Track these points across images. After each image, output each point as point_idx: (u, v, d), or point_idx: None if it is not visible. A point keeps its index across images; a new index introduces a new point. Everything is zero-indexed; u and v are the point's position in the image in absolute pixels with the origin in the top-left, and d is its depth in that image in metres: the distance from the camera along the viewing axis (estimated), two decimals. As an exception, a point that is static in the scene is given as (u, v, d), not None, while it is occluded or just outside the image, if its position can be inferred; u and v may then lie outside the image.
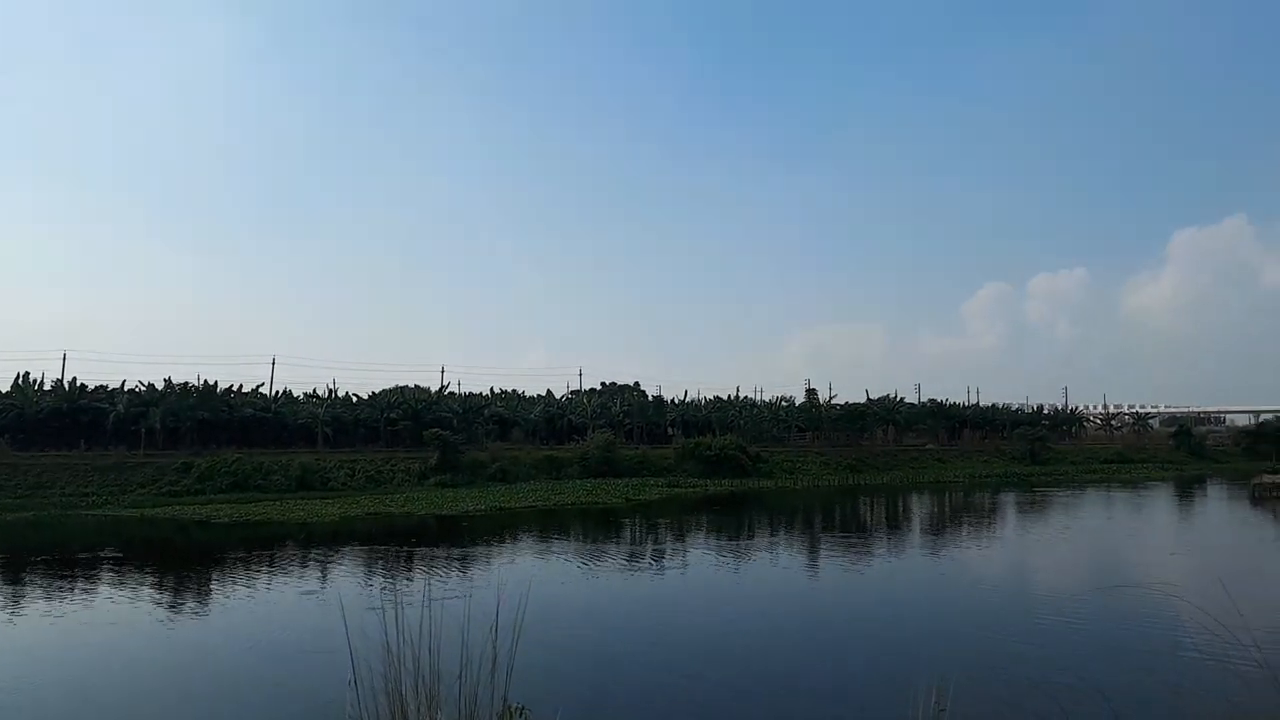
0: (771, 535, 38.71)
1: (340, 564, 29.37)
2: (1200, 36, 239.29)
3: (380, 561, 29.64)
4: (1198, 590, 21.67)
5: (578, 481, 60.24)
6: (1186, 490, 63.21)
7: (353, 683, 5.75)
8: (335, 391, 78.65)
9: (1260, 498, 53.04)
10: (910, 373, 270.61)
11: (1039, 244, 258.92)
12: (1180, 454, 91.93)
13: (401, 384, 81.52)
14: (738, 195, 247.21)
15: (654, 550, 33.46)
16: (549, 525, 40.47)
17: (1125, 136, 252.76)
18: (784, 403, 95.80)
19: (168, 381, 69.23)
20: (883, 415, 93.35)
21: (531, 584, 17.44)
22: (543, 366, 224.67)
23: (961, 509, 51.42)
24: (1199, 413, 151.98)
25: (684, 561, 30.29)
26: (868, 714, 12.98)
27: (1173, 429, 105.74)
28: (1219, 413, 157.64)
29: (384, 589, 23.64)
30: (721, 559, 30.68)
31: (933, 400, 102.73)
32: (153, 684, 16.03)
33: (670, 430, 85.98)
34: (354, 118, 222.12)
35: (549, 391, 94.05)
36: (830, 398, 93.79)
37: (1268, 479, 56.78)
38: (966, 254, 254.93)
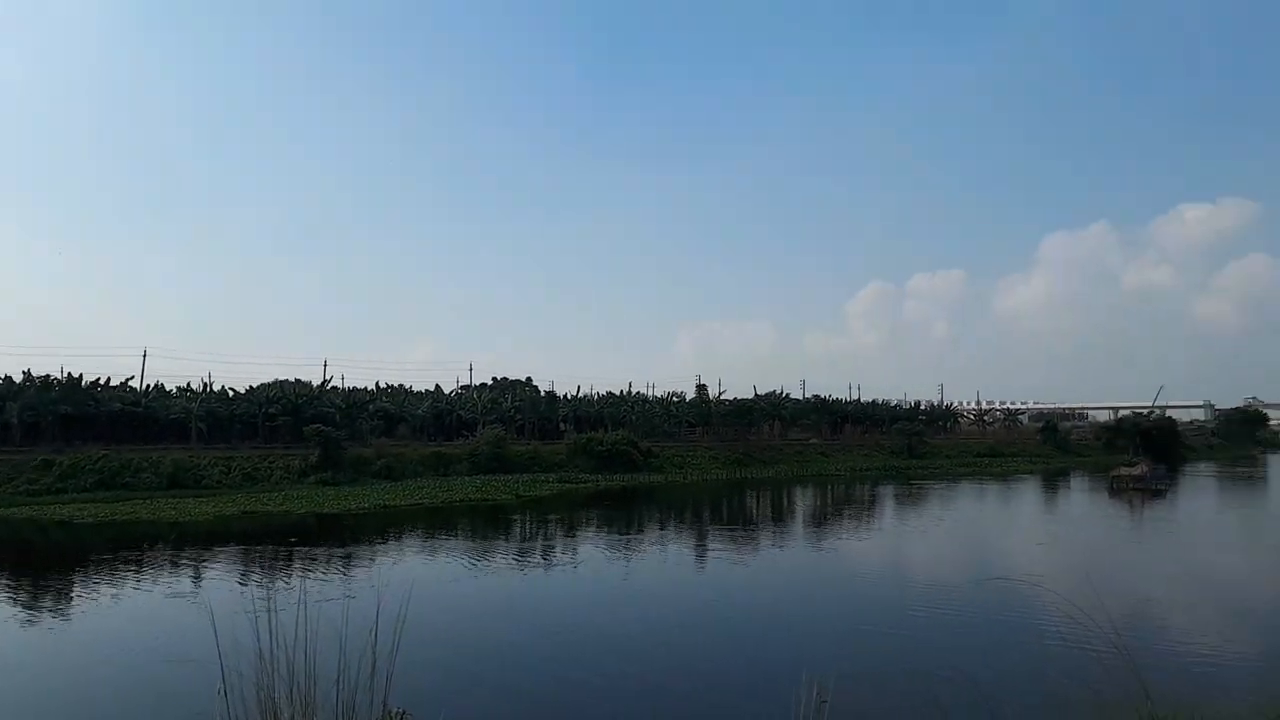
0: (661, 530, 39.03)
1: (213, 566, 28.14)
2: (1071, 50, 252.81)
3: (256, 563, 28.54)
4: (1062, 580, 22.90)
5: (467, 478, 59.41)
6: (1052, 483, 66.71)
7: (222, 692, 5.46)
8: (210, 385, 75.32)
9: (1118, 489, 56.41)
10: (796, 369, 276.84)
11: (918, 246, 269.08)
12: (1047, 448, 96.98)
13: (281, 378, 78.78)
14: (632, 193, 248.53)
15: (545, 547, 33.28)
16: (436, 523, 39.77)
17: (1000, 144, 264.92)
18: (675, 398, 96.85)
19: (27, 374, 64.90)
20: (770, 410, 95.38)
21: (416, 584, 17.06)
22: (432, 361, 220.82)
23: (843, 501, 52.96)
24: (1064, 409, 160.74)
25: (575, 558, 30.22)
26: (752, 708, 13.20)
27: (1040, 425, 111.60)
28: (1082, 409, 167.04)
29: (259, 592, 22.75)
30: (612, 555, 30.73)
31: (817, 396, 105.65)
32: (2, 698, 15.01)
33: (563, 426, 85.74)
34: (235, 103, 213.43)
35: (438, 387, 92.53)
36: (720, 393, 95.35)
37: (1124, 472, 60.47)
38: (851, 254, 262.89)
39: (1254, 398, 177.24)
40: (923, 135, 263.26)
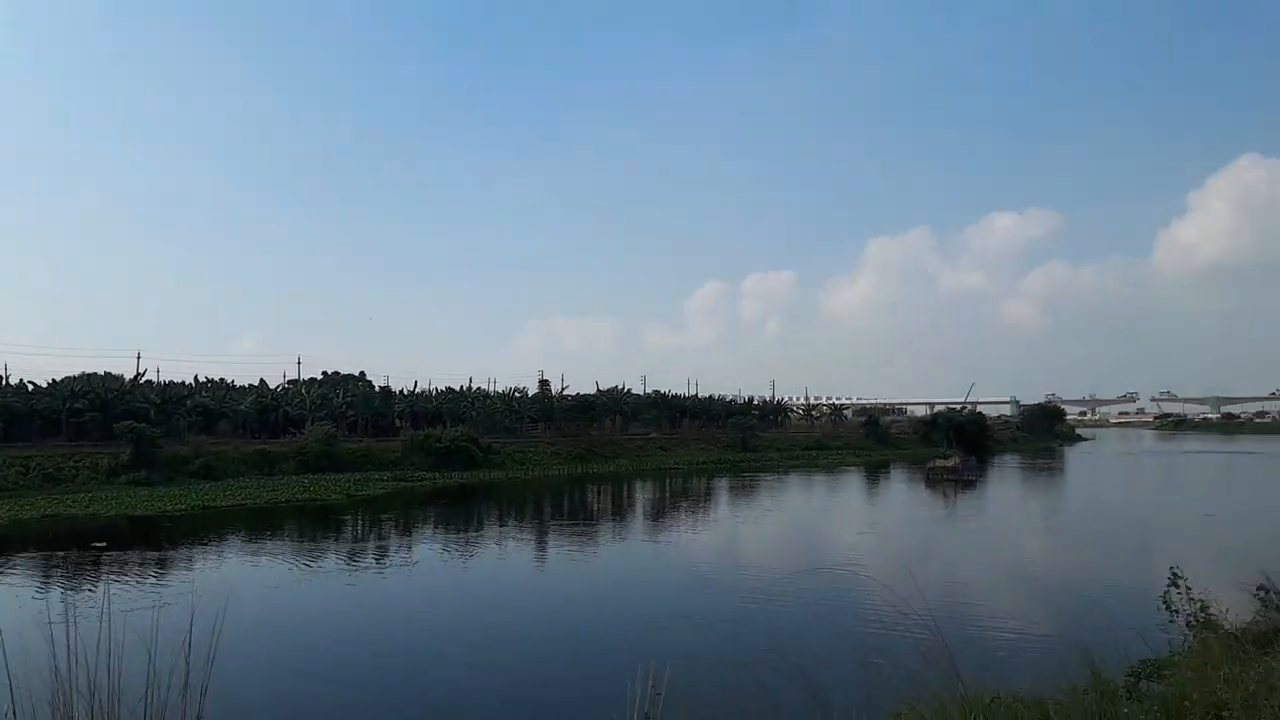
0: (501, 527, 38.62)
1: (6, 575, 25.72)
2: (895, 65, 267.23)
3: (57, 570, 26.30)
4: (883, 568, 24.19)
5: (294, 478, 56.75)
6: (874, 474, 70.32)
7: (11, 715, 4.98)
8: (7, 378, 68.82)
9: (933, 480, 60.06)
10: (638, 364, 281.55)
11: (754, 247, 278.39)
12: (869, 442, 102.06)
13: (90, 371, 72.82)
14: (476, 186, 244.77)
15: (377, 548, 32.27)
16: (260, 525, 37.82)
17: (829, 152, 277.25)
18: (517, 394, 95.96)
19: None
20: (611, 406, 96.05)
21: (236, 590, 16.19)
22: (257, 354, 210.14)
23: (680, 495, 54.01)
24: (886, 404, 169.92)
25: (409, 558, 29.46)
26: (589, 702, 13.23)
27: (864, 419, 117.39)
28: (902, 404, 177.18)
29: (57, 602, 20.96)
30: (448, 554, 30.15)
31: (657, 391, 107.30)
32: None
33: (398, 422, 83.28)
34: (49, 90, 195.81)
35: (262, 381, 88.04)
36: (563, 389, 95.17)
37: (939, 464, 64.44)
38: (690, 254, 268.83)
39: (1053, 394, 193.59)
40: (757, 142, 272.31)
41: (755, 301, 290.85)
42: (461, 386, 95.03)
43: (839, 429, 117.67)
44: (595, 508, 47.70)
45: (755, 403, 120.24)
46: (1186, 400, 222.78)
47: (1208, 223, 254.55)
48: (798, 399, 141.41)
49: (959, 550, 31.47)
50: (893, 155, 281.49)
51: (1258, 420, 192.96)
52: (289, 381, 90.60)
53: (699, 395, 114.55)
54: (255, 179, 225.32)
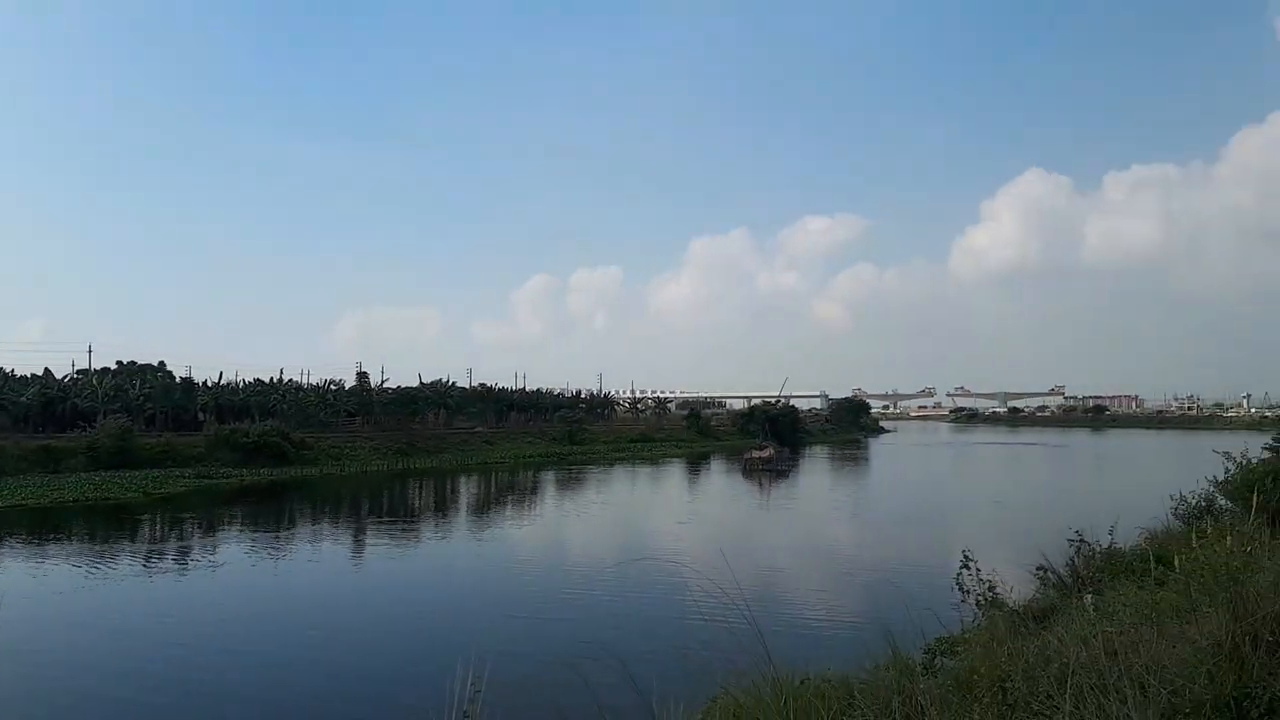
0: (314, 526, 36.98)
1: None
2: (716, 63, 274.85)
3: None
4: (701, 557, 24.78)
5: (84, 475, 52.17)
6: (696, 465, 72.19)
7: None
8: None
9: (749, 471, 62.29)
10: (463, 357, 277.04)
11: (582, 242, 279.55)
12: (692, 434, 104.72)
13: None
14: (291, 170, 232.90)
15: (178, 550, 30.15)
16: (43, 528, 34.52)
17: (654, 149, 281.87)
18: (333, 386, 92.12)
19: None
20: (435, 399, 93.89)
21: (6, 599, 14.68)
22: (43, 341, 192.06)
23: (506, 489, 53.50)
24: (707, 398, 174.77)
25: (213, 559, 27.69)
26: (406, 702, 12.86)
27: (686, 412, 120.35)
28: (722, 398, 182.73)
29: None
30: (257, 554, 28.57)
31: (483, 384, 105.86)
32: None
33: (202, 416, 78.18)
34: None
35: (48, 371, 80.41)
36: (383, 381, 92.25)
37: (755, 455, 66.85)
38: (518, 245, 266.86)
39: (860, 389, 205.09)
40: (587, 137, 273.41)
41: (584, 295, 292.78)
42: (272, 378, 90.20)
43: (663, 422, 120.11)
44: (417, 504, 46.51)
45: (583, 396, 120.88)
46: (978, 395, 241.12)
47: (997, 231, 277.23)
48: (624, 392, 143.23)
49: (773, 538, 32.74)
50: (714, 157, 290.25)
51: (1039, 414, 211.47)
52: (78, 371, 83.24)
53: (527, 388, 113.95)
54: (35, 152, 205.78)
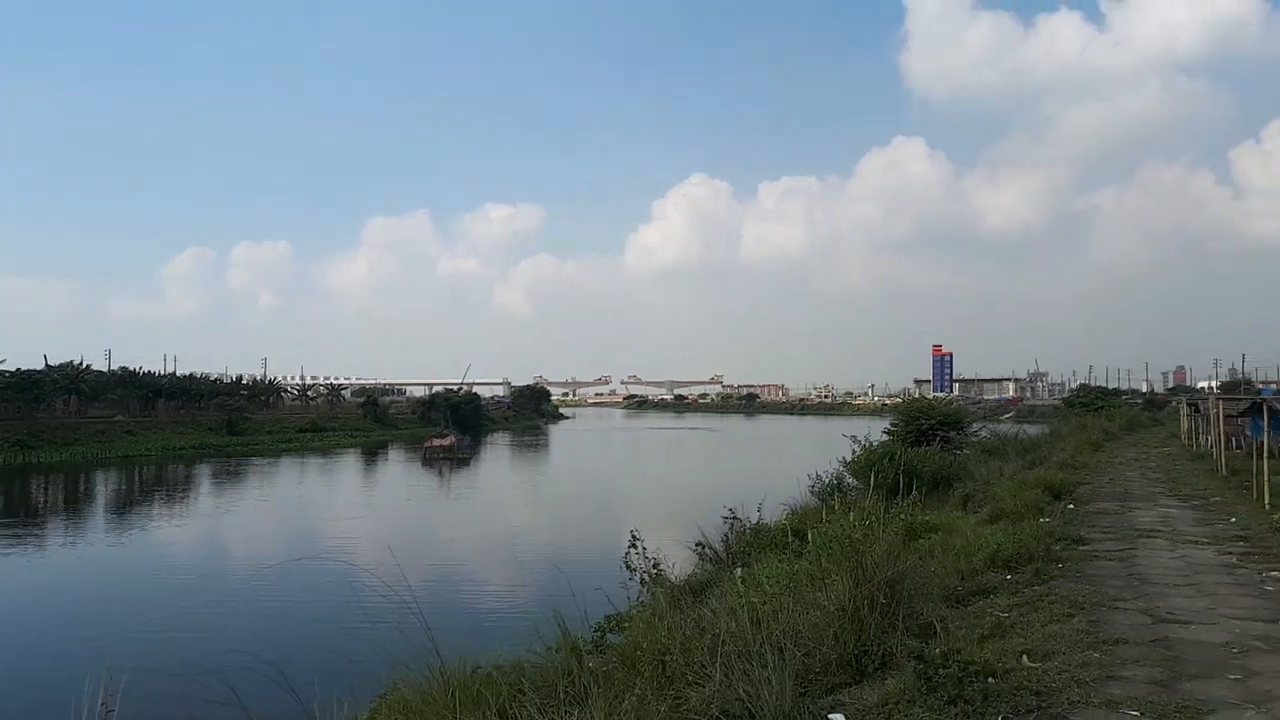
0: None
1: None
2: (395, 45, 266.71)
3: None
4: (373, 553, 23.94)
5: None
6: (372, 456, 69.80)
7: None
8: None
9: (430, 459, 61.26)
10: (100, 337, 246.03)
11: (245, 212, 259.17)
12: (368, 423, 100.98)
13: None
14: None
15: None
16: None
17: (326, 117, 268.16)
18: (-71, 369, 78.02)
19: None
20: (65, 384, 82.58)
21: None
22: None
23: (153, 485, 48.50)
24: (385, 384, 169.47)
25: None
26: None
27: (362, 400, 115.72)
28: (402, 385, 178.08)
29: None
30: None
31: (125, 368, 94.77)
32: None
33: None
34: None
35: None
36: (-2, 363, 79.62)
37: (435, 443, 65.83)
38: (169, 212, 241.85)
39: (541, 376, 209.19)
40: (254, 99, 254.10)
41: (246, 272, 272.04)
42: None
43: (337, 410, 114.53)
44: (41, 503, 40.73)
45: (245, 382, 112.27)
46: (649, 384, 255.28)
47: (667, 230, 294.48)
48: (293, 378, 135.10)
49: (452, 528, 32.47)
50: (394, 137, 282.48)
51: (701, 401, 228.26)
52: None
53: (178, 373, 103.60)
54: None
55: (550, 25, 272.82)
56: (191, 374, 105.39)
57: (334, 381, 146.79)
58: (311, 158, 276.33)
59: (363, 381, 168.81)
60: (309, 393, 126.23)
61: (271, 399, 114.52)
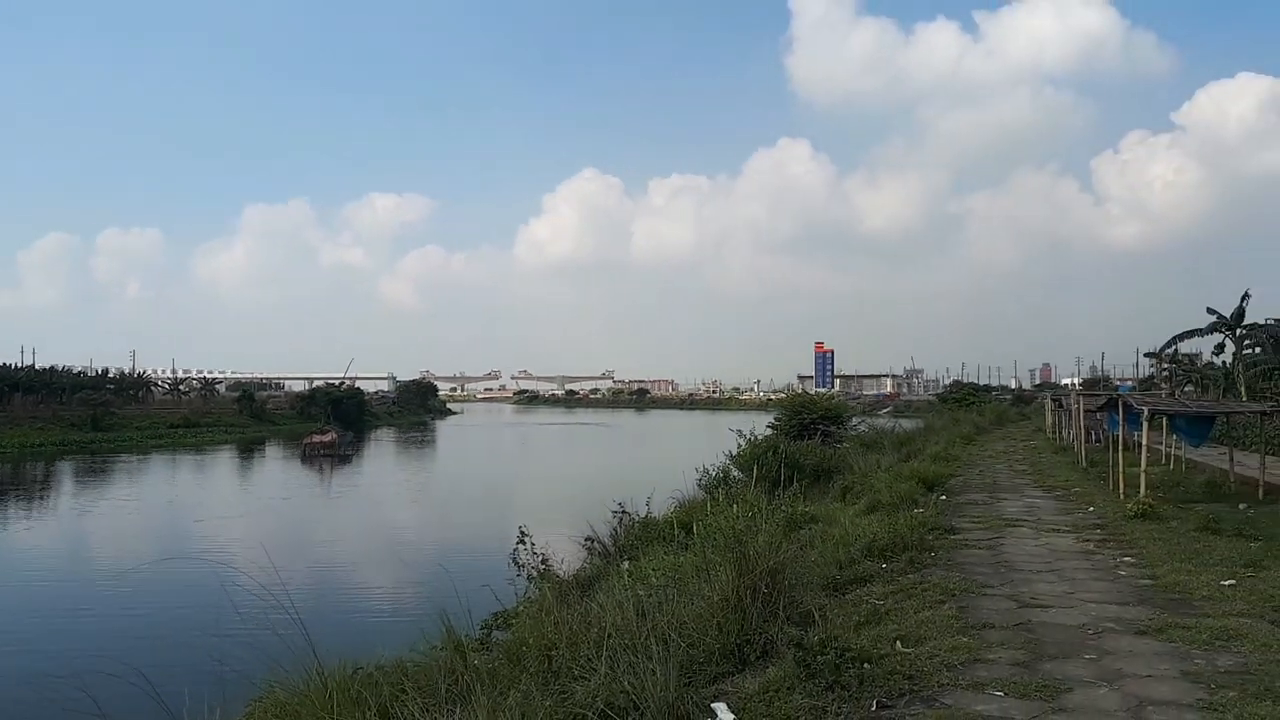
0: None
1: None
2: (278, 30, 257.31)
3: None
4: (245, 555, 22.99)
5: None
6: (248, 452, 67.18)
7: None
8: None
9: (309, 456, 59.36)
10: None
11: (111, 197, 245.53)
12: (244, 418, 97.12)
13: None
14: None
15: None
16: None
17: (200, 97, 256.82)
18: None
19: None
20: (-95, 378, 76.78)
21: None
22: None
23: (5, 484, 45.44)
24: (263, 378, 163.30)
25: None
26: None
27: (238, 394, 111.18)
28: (280, 379, 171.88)
29: None
30: None
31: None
32: None
33: None
34: None
35: None
36: None
37: (315, 439, 63.80)
38: (25, 195, 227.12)
39: (428, 371, 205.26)
40: (117, 81, 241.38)
41: (113, 260, 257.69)
42: None
43: (211, 405, 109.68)
44: None
45: (112, 375, 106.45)
46: (540, 379, 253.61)
47: (558, 224, 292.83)
48: (164, 372, 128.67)
49: (333, 527, 31.49)
50: (270, 121, 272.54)
51: (592, 396, 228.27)
52: None
53: (36, 366, 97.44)
54: None
55: (437, 13, 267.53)
56: (53, 367, 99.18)
57: (208, 375, 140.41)
58: (184, 141, 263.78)
59: (239, 375, 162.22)
60: (181, 387, 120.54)
61: (141, 393, 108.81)
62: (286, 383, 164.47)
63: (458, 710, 5.47)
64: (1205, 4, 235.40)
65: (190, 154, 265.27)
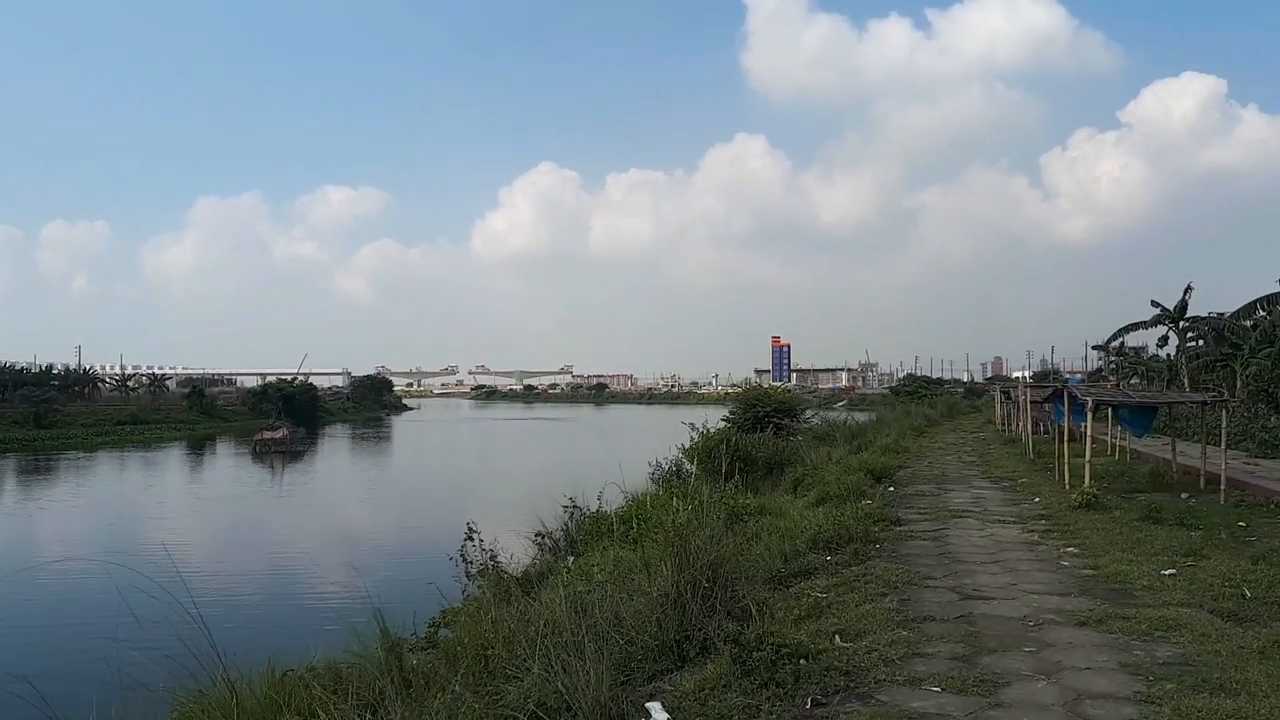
0: None
1: None
2: (228, 19, 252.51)
3: None
4: (181, 555, 22.18)
5: None
6: (198, 450, 65.85)
7: None
8: None
9: (260, 453, 58.37)
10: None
11: (53, 188, 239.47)
12: (194, 415, 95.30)
13: None
14: None
15: None
16: None
17: (152, 90, 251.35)
18: None
19: None
20: None
21: None
22: None
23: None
24: (214, 374, 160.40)
25: None
26: None
27: (188, 390, 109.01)
28: (232, 375, 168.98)
29: None
30: None
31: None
32: None
33: None
34: None
35: None
36: None
37: (266, 435, 62.74)
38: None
39: (383, 366, 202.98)
40: (69, 72, 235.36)
41: (58, 253, 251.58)
42: None
43: (160, 401, 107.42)
44: None
45: (56, 371, 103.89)
46: (497, 374, 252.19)
47: (515, 218, 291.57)
48: (112, 367, 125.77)
49: (278, 525, 30.72)
50: (221, 112, 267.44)
51: (551, 391, 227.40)
52: None
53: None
54: None
55: (391, 6, 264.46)
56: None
57: (157, 371, 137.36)
58: (132, 132, 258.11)
59: (189, 371, 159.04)
60: (129, 383, 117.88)
61: (87, 389, 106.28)
62: (239, 379, 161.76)
63: (397, 711, 5.24)
64: (1151, 4, 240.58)
65: (139, 147, 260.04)
